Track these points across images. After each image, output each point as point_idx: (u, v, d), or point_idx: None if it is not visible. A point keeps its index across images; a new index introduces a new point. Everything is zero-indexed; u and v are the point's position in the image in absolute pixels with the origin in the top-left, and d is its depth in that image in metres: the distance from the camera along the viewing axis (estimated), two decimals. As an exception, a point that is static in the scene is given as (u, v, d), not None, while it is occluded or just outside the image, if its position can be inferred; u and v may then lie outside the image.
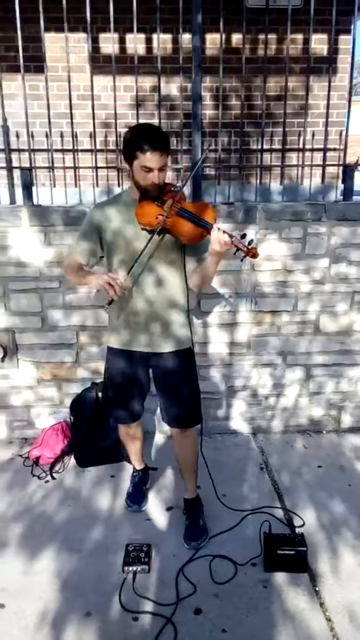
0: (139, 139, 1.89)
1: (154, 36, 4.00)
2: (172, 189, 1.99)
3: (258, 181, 3.42)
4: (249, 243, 1.83)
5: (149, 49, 4.09)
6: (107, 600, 1.96)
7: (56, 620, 1.87)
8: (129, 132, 1.95)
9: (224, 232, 1.83)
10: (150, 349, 2.15)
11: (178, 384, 2.20)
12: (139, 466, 2.58)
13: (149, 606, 1.93)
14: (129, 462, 2.67)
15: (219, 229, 1.85)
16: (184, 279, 2.10)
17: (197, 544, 2.22)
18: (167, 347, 2.14)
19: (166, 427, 2.38)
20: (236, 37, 4.07)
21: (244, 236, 1.85)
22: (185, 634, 1.82)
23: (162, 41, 3.50)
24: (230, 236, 1.82)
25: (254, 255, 1.83)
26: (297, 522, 2.38)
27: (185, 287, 2.11)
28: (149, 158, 1.88)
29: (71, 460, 2.84)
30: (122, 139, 1.96)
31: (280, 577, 2.06)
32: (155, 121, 3.03)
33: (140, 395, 2.30)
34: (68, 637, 1.81)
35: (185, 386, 2.21)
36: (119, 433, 2.47)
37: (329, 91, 3.04)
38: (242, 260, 1.87)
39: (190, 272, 2.09)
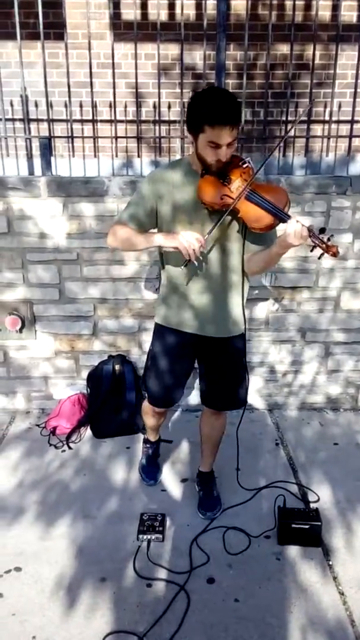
0: (207, 110, 1.65)
1: (177, 1, 3.89)
2: (240, 163, 1.77)
3: (281, 154, 3.33)
4: (329, 239, 1.61)
5: (172, 15, 3.98)
6: (121, 566, 1.99)
7: (72, 585, 1.91)
8: (196, 99, 1.71)
9: (302, 225, 1.63)
10: (200, 331, 2.02)
11: (229, 369, 2.11)
12: (154, 438, 2.53)
13: (162, 574, 1.96)
14: (144, 433, 2.68)
15: (297, 221, 1.64)
16: (241, 263, 1.93)
17: (212, 514, 2.24)
18: (221, 332, 2.03)
19: (183, 402, 2.37)
20: (262, 3, 3.93)
21: (322, 230, 1.62)
22: (198, 601, 1.85)
23: (185, 6, 3.40)
24: (309, 230, 1.61)
25: (335, 254, 1.61)
26: (311, 497, 2.38)
27: (241, 271, 1.95)
28: (218, 133, 1.66)
29: (87, 431, 2.87)
30: (187, 103, 1.75)
31: (293, 551, 2.07)
32: (178, 91, 2.97)
33: (182, 381, 2.18)
34: (83, 601, 1.85)
35: (236, 371, 2.12)
36: (142, 407, 2.38)
37: (358, 60, 2.93)
38: (319, 258, 1.67)
39: (248, 256, 1.91)
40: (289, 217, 1.70)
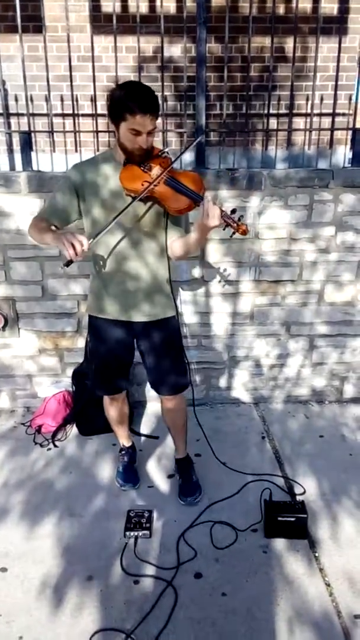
0: (127, 99, 1.77)
1: (157, -6, 3.85)
2: (160, 153, 1.91)
3: (263, 147, 3.32)
4: (239, 219, 1.76)
5: (152, 7, 3.94)
6: (108, 564, 1.99)
7: (58, 584, 1.90)
8: (116, 91, 1.82)
9: (214, 204, 1.75)
10: (128, 317, 2.09)
11: (162, 352, 2.16)
12: (127, 443, 2.52)
13: (150, 570, 1.96)
14: (131, 431, 2.67)
15: (208, 201, 1.76)
16: (164, 248, 2.03)
17: (193, 499, 2.28)
18: (147, 316, 2.08)
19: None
20: (242, -4, 3.91)
21: (233, 211, 1.78)
22: (186, 597, 1.85)
23: (165, -1, 3.37)
24: (221, 210, 1.75)
25: (244, 232, 1.76)
26: (297, 490, 2.39)
27: (166, 255, 2.04)
28: (139, 121, 1.77)
29: (73, 429, 2.86)
30: (107, 95, 1.86)
31: (280, 543, 2.08)
32: (158, 84, 2.94)
33: (124, 366, 2.25)
34: (70, 600, 1.84)
35: (170, 354, 2.17)
36: (104, 409, 2.40)
37: (339, 53, 2.93)
38: (230, 236, 1.82)
39: (171, 242, 2.01)
40: (201, 198, 1.82)
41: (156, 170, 1.87)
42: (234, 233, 1.77)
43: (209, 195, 1.87)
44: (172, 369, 2.20)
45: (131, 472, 2.45)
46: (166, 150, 1.93)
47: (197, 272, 2.87)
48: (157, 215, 1.98)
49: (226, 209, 1.77)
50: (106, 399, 2.36)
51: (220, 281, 2.89)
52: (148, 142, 1.84)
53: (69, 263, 1.80)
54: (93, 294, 2.14)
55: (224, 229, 1.78)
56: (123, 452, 2.51)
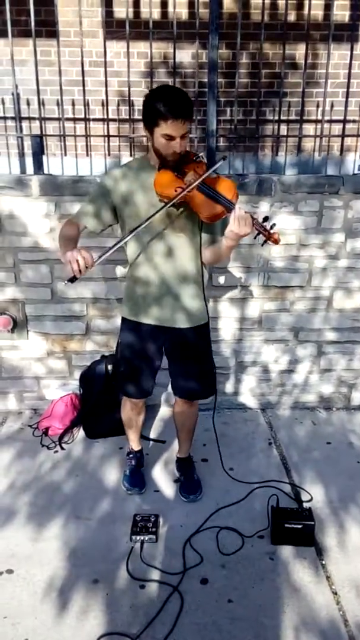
0: (160, 104, 1.77)
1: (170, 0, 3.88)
2: (194, 158, 1.89)
3: (274, 153, 3.33)
4: (271, 227, 1.72)
5: (164, 13, 3.97)
6: (114, 568, 1.98)
7: (64, 587, 1.90)
8: (149, 96, 1.83)
9: (245, 212, 1.74)
10: (162, 322, 2.10)
11: (192, 359, 2.17)
12: (137, 447, 2.51)
13: (156, 575, 1.95)
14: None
15: (240, 208, 1.76)
16: (198, 253, 2.02)
17: (195, 497, 2.32)
18: (180, 322, 2.09)
19: (173, 401, 2.37)
20: (254, 2, 3.93)
21: (266, 219, 1.75)
22: (192, 602, 1.84)
23: (178, 5, 3.39)
24: (252, 218, 1.73)
25: (276, 241, 1.73)
26: (304, 497, 2.38)
27: (199, 261, 2.04)
28: (171, 126, 1.77)
29: (80, 432, 2.86)
30: (142, 101, 1.86)
31: (286, 551, 2.07)
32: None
33: (151, 370, 2.23)
34: (75, 603, 1.84)
35: (200, 362, 2.18)
36: (122, 410, 2.40)
37: (350, 60, 2.94)
38: (262, 245, 1.79)
39: (204, 247, 2.02)
40: (233, 205, 1.80)
41: (190, 176, 1.85)
42: (265, 241, 1.74)
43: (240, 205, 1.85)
44: (201, 377, 2.21)
45: (138, 476, 2.44)
46: (201, 154, 1.92)
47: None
48: (192, 221, 1.97)
49: (258, 216, 1.75)
50: (126, 402, 2.35)
51: (235, 286, 2.89)
52: (181, 146, 1.83)
53: (72, 279, 1.76)
54: (127, 297, 2.15)
55: (255, 237, 1.76)
56: (131, 455, 2.50)
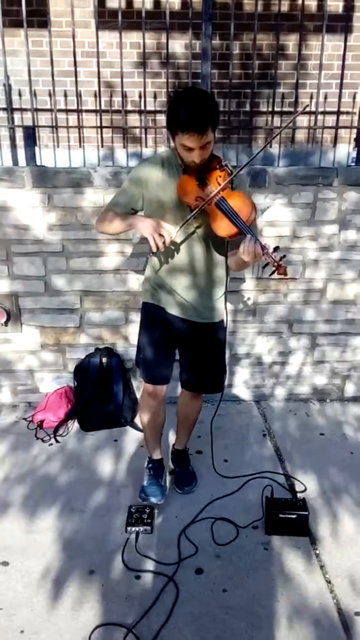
0: (180, 114, 1.69)
1: (162, -10, 3.84)
2: (218, 166, 1.83)
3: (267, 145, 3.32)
4: (281, 259, 1.69)
5: (157, 3, 3.93)
6: (109, 559, 1.99)
7: (59, 578, 1.91)
8: (174, 99, 1.77)
9: (255, 241, 1.69)
10: (186, 316, 2.08)
11: (210, 354, 2.17)
12: (157, 455, 2.35)
13: (151, 565, 1.96)
14: (132, 427, 2.67)
15: (251, 238, 1.71)
16: (224, 254, 2.00)
17: (190, 489, 2.33)
18: (202, 318, 2.09)
19: (170, 393, 2.37)
20: (247, -7, 3.90)
21: (276, 249, 1.70)
22: (187, 592, 1.85)
23: (170, -5, 3.36)
24: (263, 248, 1.68)
25: (284, 273, 1.69)
26: (298, 487, 2.39)
27: (225, 262, 2.02)
28: (189, 139, 1.72)
29: (75, 425, 2.86)
30: (168, 102, 1.85)
31: (280, 540, 2.08)
32: (162, 80, 2.93)
33: (171, 358, 2.20)
34: (71, 594, 1.84)
35: (214, 357, 2.19)
36: (142, 415, 2.27)
37: (344, 51, 2.93)
38: (270, 275, 1.75)
39: (230, 253, 1.98)
40: (248, 232, 1.75)
41: (210, 187, 1.81)
42: (273, 272, 1.70)
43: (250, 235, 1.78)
44: (214, 372, 2.22)
45: (155, 485, 2.27)
46: (225, 162, 1.85)
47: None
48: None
49: (269, 246, 1.70)
50: (144, 402, 2.24)
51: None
52: (202, 155, 1.78)
53: (155, 251, 1.87)
54: (149, 283, 2.11)
55: (263, 267, 1.75)
56: (150, 465, 2.34)
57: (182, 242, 1.97)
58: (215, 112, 1.75)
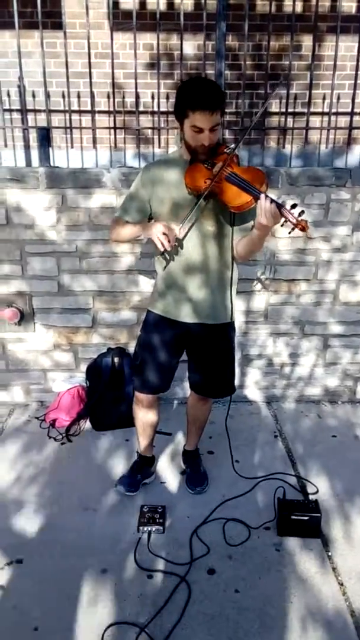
0: (188, 95, 1.75)
1: (175, -9, 3.85)
2: (226, 150, 1.85)
3: (279, 145, 3.32)
4: (299, 214, 1.67)
5: (171, 4, 3.94)
6: (122, 558, 2.00)
7: (73, 577, 1.92)
8: (180, 87, 1.82)
9: (272, 200, 1.69)
10: (191, 319, 2.06)
11: (218, 356, 2.15)
12: (145, 452, 2.39)
13: (163, 565, 1.97)
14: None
15: (267, 196, 1.70)
16: (230, 249, 1.99)
17: (201, 489, 2.34)
18: (209, 319, 2.06)
19: (180, 394, 2.38)
20: (260, -7, 3.90)
21: (294, 206, 1.68)
22: (199, 592, 1.86)
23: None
24: (280, 206, 1.68)
25: (304, 228, 1.67)
26: (310, 489, 2.39)
27: (231, 257, 2.01)
28: (199, 117, 1.74)
29: (87, 424, 2.87)
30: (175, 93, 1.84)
31: (293, 542, 2.08)
32: (175, 81, 2.94)
33: (171, 368, 2.19)
34: (84, 593, 1.85)
35: (223, 360, 2.17)
36: (134, 411, 2.31)
37: (359, 52, 2.91)
38: (289, 233, 1.73)
39: (236, 242, 1.98)
40: (260, 193, 1.75)
41: (218, 166, 1.82)
42: (293, 229, 1.69)
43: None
44: (223, 375, 2.21)
45: (133, 478, 2.34)
46: (232, 146, 1.87)
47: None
48: (222, 215, 1.94)
49: (286, 204, 1.69)
50: (138, 403, 2.27)
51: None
52: (211, 139, 1.80)
53: (164, 252, 1.94)
54: (157, 292, 2.12)
55: (282, 225, 1.71)
56: (135, 459, 2.43)
57: (190, 239, 1.96)
58: (223, 95, 1.81)
